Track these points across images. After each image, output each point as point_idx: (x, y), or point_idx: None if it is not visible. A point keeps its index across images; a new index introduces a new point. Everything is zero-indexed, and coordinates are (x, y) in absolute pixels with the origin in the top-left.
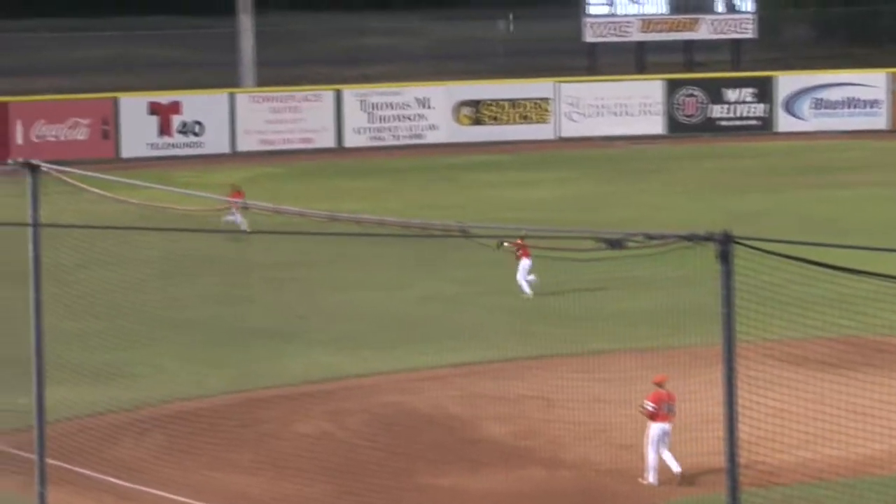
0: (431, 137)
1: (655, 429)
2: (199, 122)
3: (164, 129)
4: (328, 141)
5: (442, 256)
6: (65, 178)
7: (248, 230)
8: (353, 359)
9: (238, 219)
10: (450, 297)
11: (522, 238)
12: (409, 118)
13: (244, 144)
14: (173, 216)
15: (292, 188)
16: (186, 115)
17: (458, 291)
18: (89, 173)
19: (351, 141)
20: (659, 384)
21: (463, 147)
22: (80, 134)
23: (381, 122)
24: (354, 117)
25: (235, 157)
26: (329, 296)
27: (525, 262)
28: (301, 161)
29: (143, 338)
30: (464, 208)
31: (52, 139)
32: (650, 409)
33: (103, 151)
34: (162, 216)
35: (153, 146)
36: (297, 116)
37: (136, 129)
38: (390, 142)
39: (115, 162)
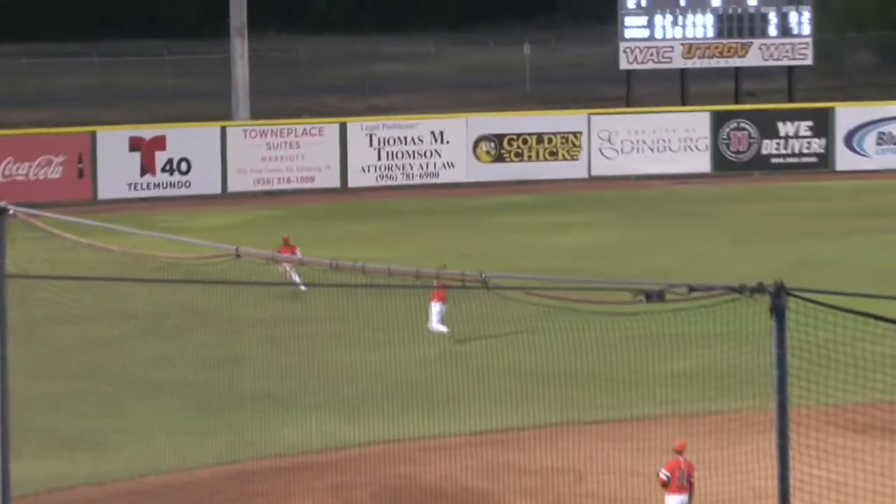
0: (448, 176)
1: (670, 502)
2: (185, 160)
3: (147, 168)
4: (331, 180)
5: (458, 310)
6: (35, 222)
7: (304, 286)
8: (357, 425)
9: (295, 277)
10: (467, 355)
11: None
12: (423, 155)
13: (237, 184)
14: (158, 265)
15: (291, 233)
16: (172, 151)
17: (476, 349)
18: (63, 217)
19: (357, 180)
20: (678, 452)
21: (483, 187)
22: (53, 173)
23: (391, 158)
24: (361, 154)
25: (227, 198)
26: (330, 354)
27: (437, 307)
28: (301, 203)
29: (121, 402)
30: (484, 256)
31: (21, 178)
32: (663, 477)
33: (78, 192)
34: (145, 265)
35: (134, 186)
36: (297, 153)
37: (116, 168)
38: (401, 181)
39: (92, 204)
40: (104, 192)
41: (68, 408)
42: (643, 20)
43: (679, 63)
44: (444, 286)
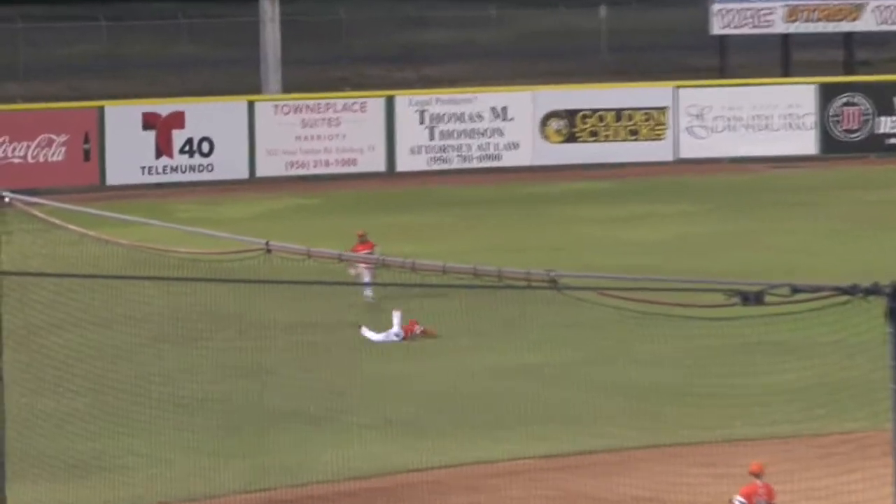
0: (511, 159)
1: None
2: (207, 140)
3: (163, 149)
4: (376, 163)
5: (523, 314)
6: (34, 211)
7: (372, 298)
8: (405, 448)
9: (366, 279)
10: (534, 367)
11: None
12: (482, 134)
13: (267, 168)
14: (175, 262)
15: (329, 225)
16: (191, 129)
17: (544, 360)
18: (66, 205)
19: (406, 164)
20: (756, 475)
21: (552, 172)
22: (55, 155)
23: (445, 138)
24: (411, 133)
25: (255, 184)
26: (375, 366)
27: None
28: (341, 190)
29: (135, 420)
30: (553, 252)
31: (18, 161)
32: None
33: (84, 177)
34: (160, 262)
35: (148, 170)
36: (336, 132)
37: (127, 149)
38: (457, 165)
39: (100, 190)
40: (114, 177)
41: (75, 427)
42: None
43: (780, 28)
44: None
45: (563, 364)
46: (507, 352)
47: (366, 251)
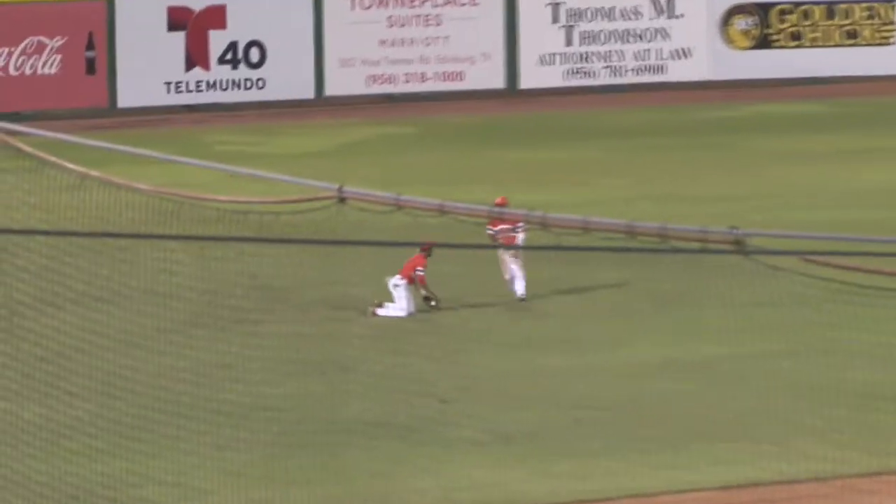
0: (679, 72)
1: None
2: (257, 44)
3: (196, 58)
4: (492, 78)
5: (693, 289)
6: (19, 144)
7: (523, 296)
8: (530, 473)
9: (516, 273)
10: (708, 362)
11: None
12: (639, 37)
13: (339, 85)
14: (213, 214)
15: (425, 162)
16: (235, 31)
17: (723, 353)
18: (62, 136)
19: (533, 79)
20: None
21: (737, 90)
22: (47, 65)
23: (587, 43)
24: (540, 36)
25: (323, 106)
26: (489, 361)
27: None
28: (441, 114)
29: (158, 434)
30: (737, 201)
31: None
32: None
33: (88, 97)
34: (193, 215)
35: (175, 87)
36: (436, 34)
37: (146, 57)
38: (604, 80)
39: (109, 115)
40: (127, 97)
41: (74, 443)
42: None
43: None
44: (426, 250)
45: (750, 358)
46: (668, 342)
47: (501, 227)
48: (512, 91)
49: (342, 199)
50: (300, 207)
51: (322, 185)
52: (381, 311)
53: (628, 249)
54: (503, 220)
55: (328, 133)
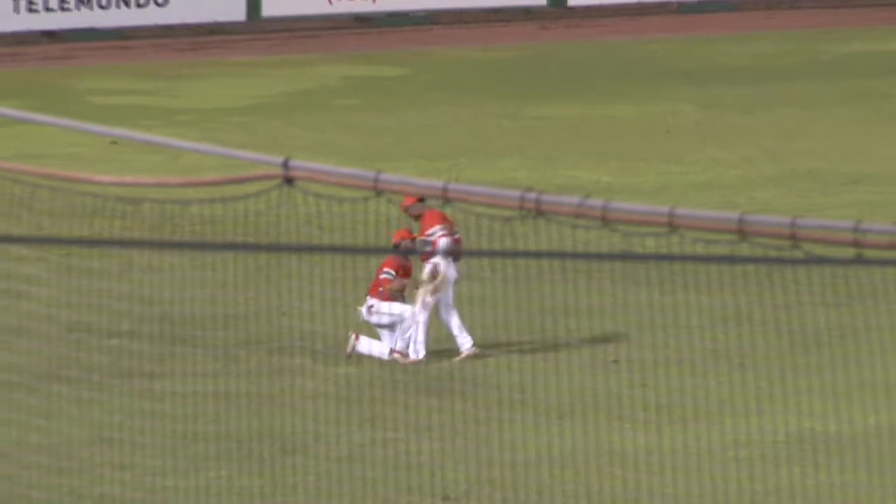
0: None
1: None
2: None
3: None
4: None
5: (852, 323)
6: None
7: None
8: None
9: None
10: (884, 434)
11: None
12: None
13: (283, 0)
14: (87, 203)
15: (418, 123)
16: None
17: None
18: None
19: None
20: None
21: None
22: None
23: None
24: None
25: (259, 33)
26: (519, 434)
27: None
28: (448, 45)
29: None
30: None
31: None
32: None
33: None
34: (56, 203)
35: (28, 4)
36: None
37: None
38: None
39: None
40: None
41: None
42: None
43: None
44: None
45: None
46: (808, 406)
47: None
48: (558, 4)
49: (289, 180)
50: (222, 193)
51: (257, 156)
52: (361, 347)
53: (738, 259)
54: (433, 220)
55: (266, 76)
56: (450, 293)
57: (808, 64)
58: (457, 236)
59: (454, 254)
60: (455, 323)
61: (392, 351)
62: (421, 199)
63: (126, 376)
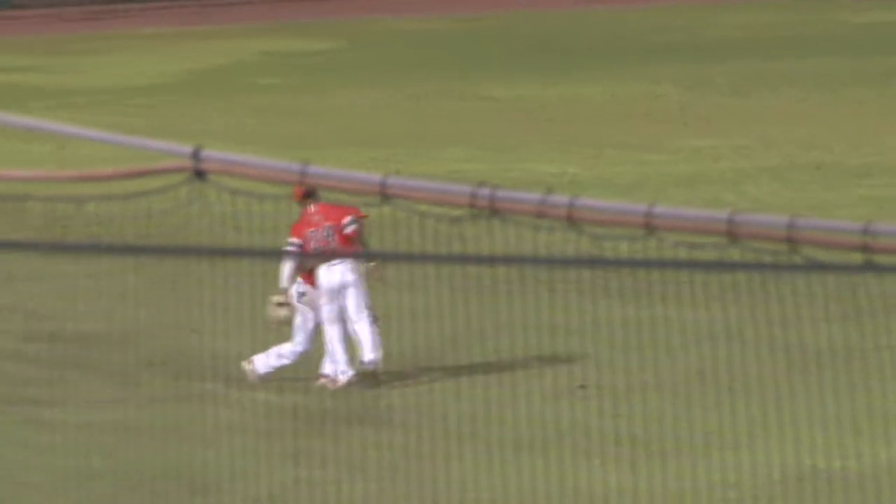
0: None
1: None
2: None
3: None
4: None
5: (862, 340)
6: None
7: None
8: None
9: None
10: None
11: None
12: None
13: None
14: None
15: (358, 106)
16: None
17: None
18: None
19: None
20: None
21: None
22: None
23: None
24: None
25: (160, 4)
26: (485, 467)
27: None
28: (395, 14)
29: None
30: None
31: None
32: None
33: None
34: None
35: None
36: None
37: None
38: None
39: None
40: None
41: None
42: None
43: None
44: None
45: None
46: (811, 441)
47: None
48: None
49: (199, 173)
50: (121, 188)
51: (162, 145)
52: (259, 369)
53: (728, 266)
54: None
55: (171, 52)
56: (353, 300)
57: (817, 37)
58: (327, 239)
59: (308, 265)
60: (335, 338)
61: (320, 376)
62: (308, 195)
63: (8, 403)
